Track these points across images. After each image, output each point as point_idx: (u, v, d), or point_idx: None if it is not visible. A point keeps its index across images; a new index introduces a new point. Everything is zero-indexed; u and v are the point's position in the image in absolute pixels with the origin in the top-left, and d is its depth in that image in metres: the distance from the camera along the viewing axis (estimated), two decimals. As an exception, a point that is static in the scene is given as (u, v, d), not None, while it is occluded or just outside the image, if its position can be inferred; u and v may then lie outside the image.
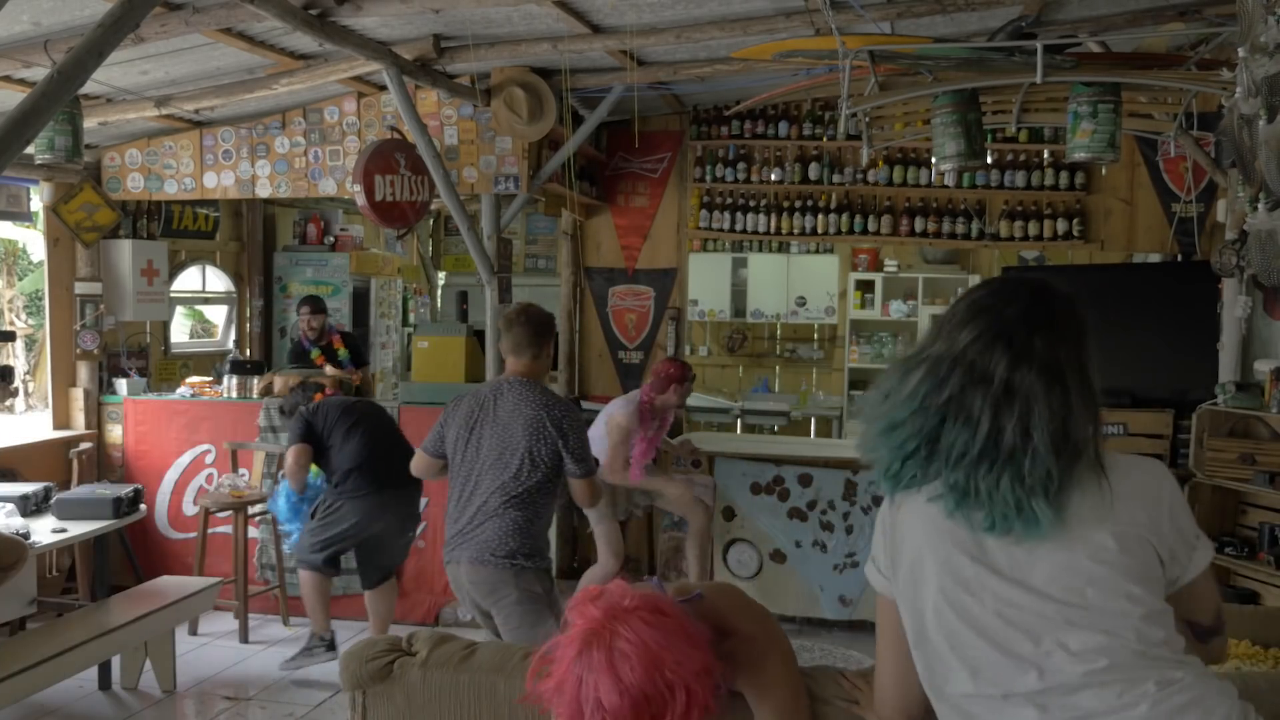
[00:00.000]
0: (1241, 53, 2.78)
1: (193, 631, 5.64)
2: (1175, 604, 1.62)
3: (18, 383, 5.23)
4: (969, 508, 1.57)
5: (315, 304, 7.00)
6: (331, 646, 5.07)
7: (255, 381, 6.24)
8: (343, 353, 6.93)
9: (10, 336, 5.89)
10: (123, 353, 6.61)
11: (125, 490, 4.90)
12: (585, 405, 7.04)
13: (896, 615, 1.70)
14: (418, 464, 3.90)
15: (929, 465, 1.61)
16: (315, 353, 6.87)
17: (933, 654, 1.63)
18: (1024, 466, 1.54)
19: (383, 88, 5.64)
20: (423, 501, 5.91)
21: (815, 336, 10.19)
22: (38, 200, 6.33)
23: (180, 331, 7.91)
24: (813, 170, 6.68)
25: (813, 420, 9.45)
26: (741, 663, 1.89)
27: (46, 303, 6.45)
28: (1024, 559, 1.57)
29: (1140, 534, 1.58)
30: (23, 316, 10.62)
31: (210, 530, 6.06)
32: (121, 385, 6.37)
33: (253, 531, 6.04)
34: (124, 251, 6.51)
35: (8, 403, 5.13)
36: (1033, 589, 1.56)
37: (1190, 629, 1.70)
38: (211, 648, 5.54)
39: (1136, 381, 5.82)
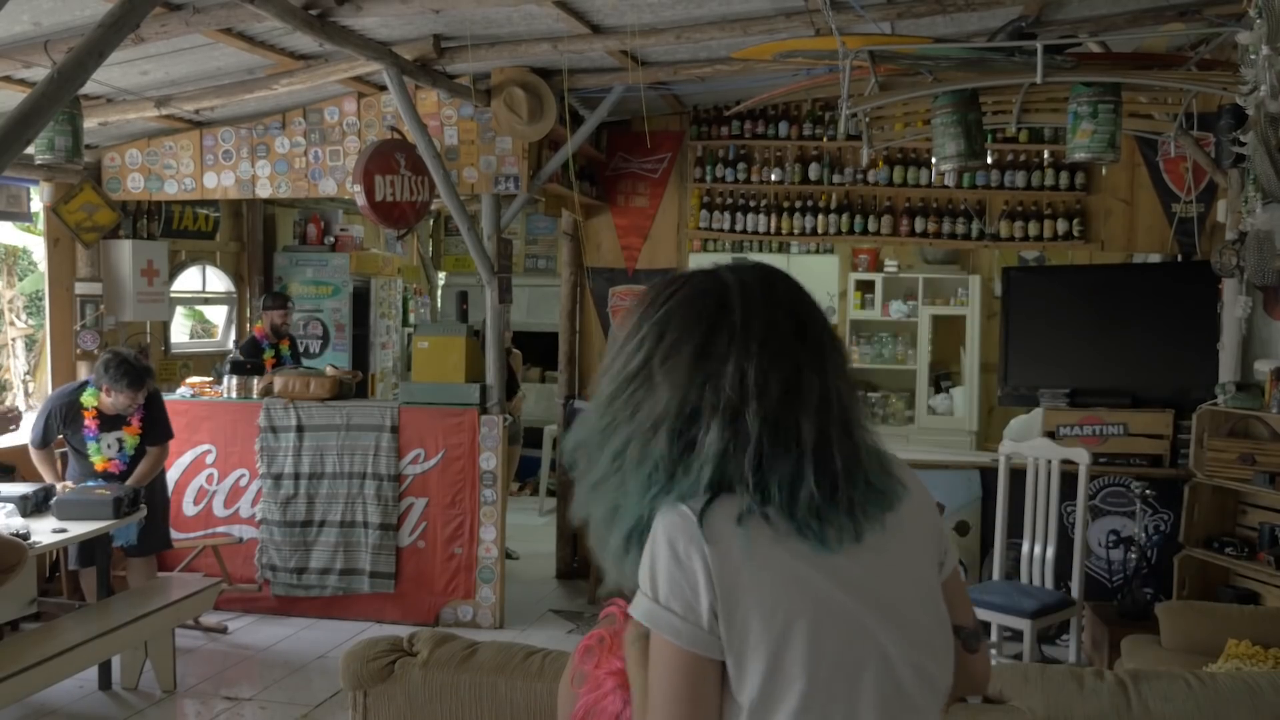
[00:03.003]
0: (1265, 50, 2.77)
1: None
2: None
3: (21, 409, 5.14)
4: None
5: (286, 300, 7.08)
6: None
7: (255, 382, 6.24)
8: (285, 350, 7.01)
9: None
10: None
11: (125, 490, 4.90)
12: (582, 405, 7.04)
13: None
14: None
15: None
16: (269, 352, 6.89)
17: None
18: None
19: (383, 88, 5.64)
20: (422, 503, 5.93)
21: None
22: (38, 200, 6.33)
23: (180, 332, 7.92)
24: (813, 170, 6.67)
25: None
26: None
27: (46, 303, 6.45)
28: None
29: None
30: (23, 316, 10.62)
31: (215, 529, 6.10)
32: (121, 385, 6.36)
33: (251, 531, 6.05)
34: (124, 251, 6.51)
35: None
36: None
37: (958, 639, 1.41)
38: (211, 648, 5.54)
39: (1136, 381, 5.83)
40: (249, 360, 6.68)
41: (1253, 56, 2.88)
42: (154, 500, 5.33)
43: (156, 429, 5.35)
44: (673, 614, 1.22)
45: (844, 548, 1.26)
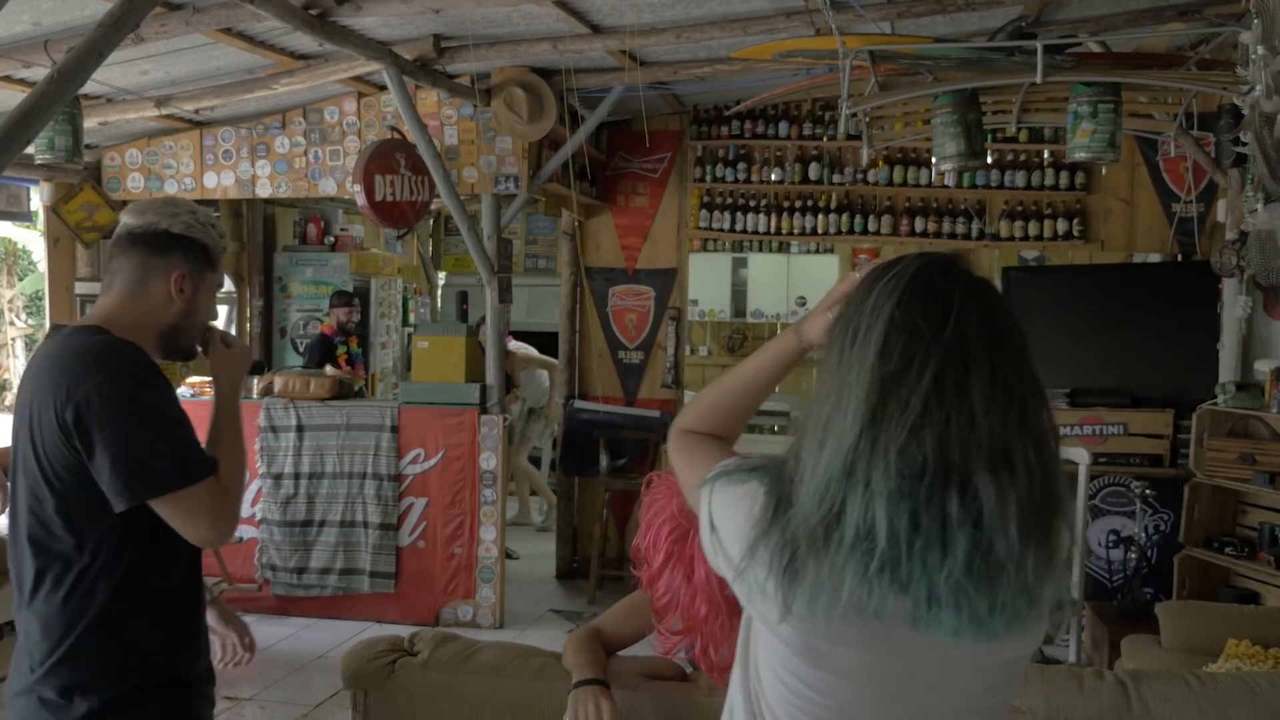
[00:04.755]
0: (1261, 50, 2.78)
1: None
2: None
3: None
4: None
5: (353, 298, 7.28)
6: None
7: (255, 381, 6.24)
8: (355, 348, 7.24)
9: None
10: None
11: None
12: (582, 405, 7.05)
13: None
14: None
15: None
16: (341, 349, 7.02)
17: None
18: None
19: (383, 88, 5.64)
20: (422, 503, 5.93)
21: (815, 336, 10.17)
22: (38, 200, 6.33)
23: (180, 331, 7.93)
24: (813, 170, 6.67)
25: (813, 420, 9.44)
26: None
27: (46, 303, 6.45)
28: None
29: None
30: (23, 316, 10.62)
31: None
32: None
33: (251, 531, 6.05)
34: (124, 251, 6.51)
35: None
36: None
37: None
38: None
39: (1136, 381, 5.83)
40: (322, 358, 6.84)
41: (1254, 56, 2.89)
42: None
43: None
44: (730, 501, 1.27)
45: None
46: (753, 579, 1.20)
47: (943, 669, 1.20)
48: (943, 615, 1.11)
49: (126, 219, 1.99)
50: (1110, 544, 5.49)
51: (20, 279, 10.64)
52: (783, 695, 1.25)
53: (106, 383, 1.80)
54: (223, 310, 8.05)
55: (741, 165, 6.78)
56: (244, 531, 6.07)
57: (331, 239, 8.38)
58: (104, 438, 1.77)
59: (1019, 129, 5.60)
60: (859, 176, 6.64)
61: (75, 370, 1.81)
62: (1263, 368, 4.80)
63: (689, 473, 1.40)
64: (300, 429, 5.98)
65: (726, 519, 1.26)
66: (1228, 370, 5.24)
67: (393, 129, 5.73)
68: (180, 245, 2.02)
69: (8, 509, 1.91)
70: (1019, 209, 6.47)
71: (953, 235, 6.57)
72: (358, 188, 5.39)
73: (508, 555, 6.39)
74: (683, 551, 1.90)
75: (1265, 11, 2.75)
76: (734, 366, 1.45)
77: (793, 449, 1.23)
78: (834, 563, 1.13)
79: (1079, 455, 4.67)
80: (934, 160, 4.34)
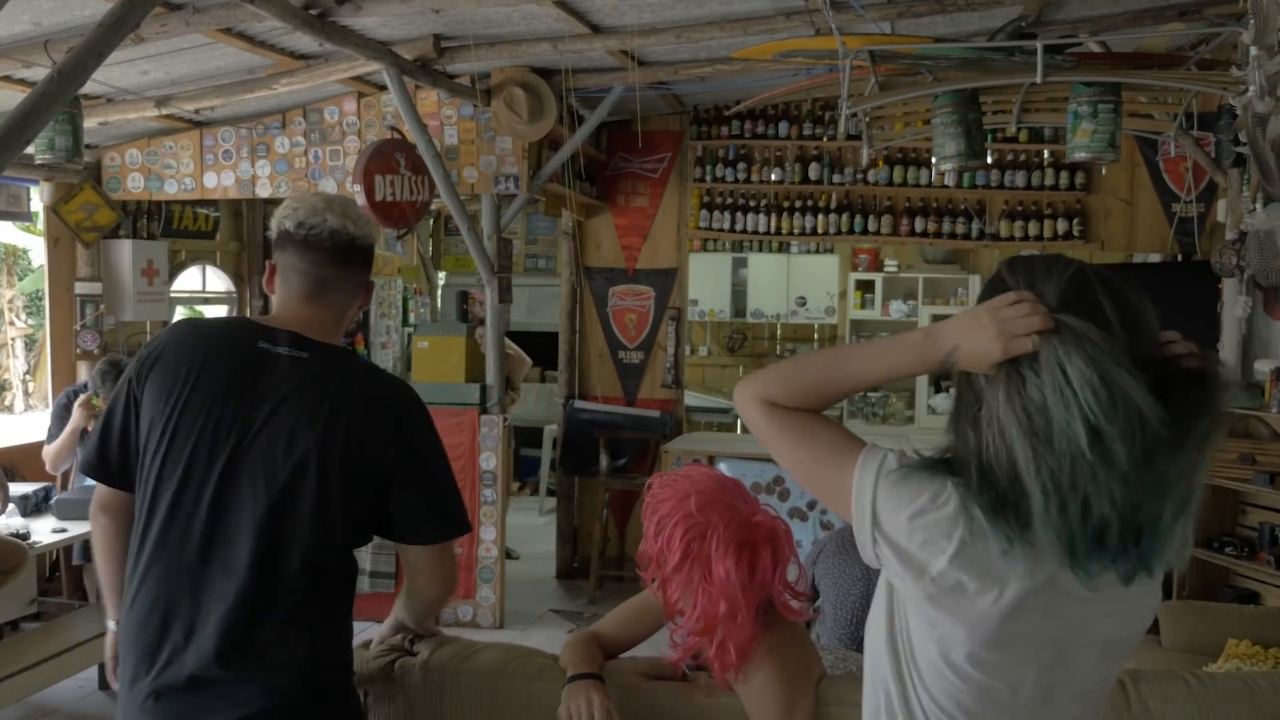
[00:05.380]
0: (1255, 51, 2.78)
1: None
2: None
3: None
4: None
5: None
6: None
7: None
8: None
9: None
10: (123, 353, 6.61)
11: (125, 490, 4.88)
12: (582, 405, 7.05)
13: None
14: None
15: None
16: None
17: None
18: None
19: (383, 88, 5.64)
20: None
21: (815, 337, 10.19)
22: (38, 200, 6.33)
23: (180, 331, 7.91)
24: (813, 170, 6.68)
25: (813, 420, 9.43)
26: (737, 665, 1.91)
27: (46, 303, 6.44)
28: None
29: None
30: (23, 316, 10.63)
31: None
32: (121, 385, 6.35)
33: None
34: (124, 251, 6.51)
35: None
36: None
37: None
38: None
39: (1136, 381, 5.83)
40: None
41: (1251, 57, 2.89)
42: None
43: None
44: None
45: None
46: (953, 584, 1.27)
47: (1089, 639, 1.33)
48: (1114, 557, 1.23)
49: (345, 225, 1.94)
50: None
51: (20, 279, 10.65)
52: (943, 677, 1.32)
53: (426, 426, 1.95)
54: (222, 310, 8.04)
55: (741, 165, 6.78)
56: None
57: (331, 239, 8.38)
58: (423, 480, 1.90)
59: (1019, 129, 5.60)
60: (859, 176, 6.64)
61: (389, 408, 1.91)
62: (1263, 368, 4.80)
63: (816, 463, 1.39)
64: (300, 429, 5.97)
65: (900, 518, 1.29)
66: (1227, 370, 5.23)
67: (393, 129, 5.73)
68: (372, 255, 2.07)
69: (203, 530, 1.85)
70: (1019, 209, 6.47)
71: (953, 235, 6.58)
72: (358, 188, 5.39)
73: (508, 555, 6.39)
74: (700, 550, 1.88)
75: (1259, 12, 2.75)
76: (848, 351, 1.42)
77: (977, 439, 1.28)
78: (1019, 510, 1.23)
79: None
80: (934, 160, 4.34)
